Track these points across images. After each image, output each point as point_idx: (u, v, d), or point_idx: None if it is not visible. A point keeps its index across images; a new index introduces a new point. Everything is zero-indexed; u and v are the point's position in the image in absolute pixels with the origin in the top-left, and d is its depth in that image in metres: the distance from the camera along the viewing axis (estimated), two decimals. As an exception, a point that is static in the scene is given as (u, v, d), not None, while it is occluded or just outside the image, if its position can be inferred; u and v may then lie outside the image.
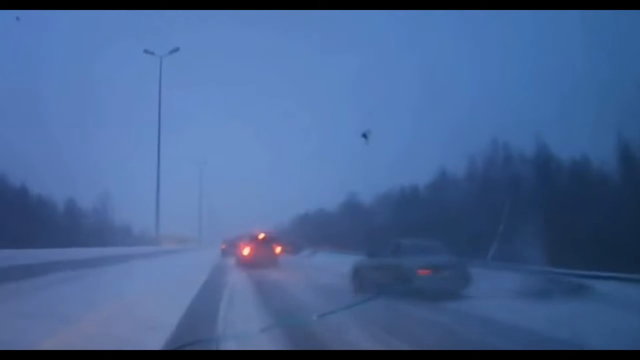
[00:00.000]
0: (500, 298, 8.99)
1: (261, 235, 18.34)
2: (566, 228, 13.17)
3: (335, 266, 15.79)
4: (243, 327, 6.25)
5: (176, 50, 26.01)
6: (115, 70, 42.42)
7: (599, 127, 15.34)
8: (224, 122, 51.59)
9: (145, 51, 25.68)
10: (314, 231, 32.01)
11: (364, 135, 7.47)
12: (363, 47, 39.51)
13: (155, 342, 4.85)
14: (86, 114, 38.20)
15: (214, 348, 4.71)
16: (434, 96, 32.63)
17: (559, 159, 16.86)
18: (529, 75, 24.10)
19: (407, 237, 11.80)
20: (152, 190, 26.80)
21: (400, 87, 39.98)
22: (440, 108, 30.82)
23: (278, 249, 18.87)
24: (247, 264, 17.35)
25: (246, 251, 17.85)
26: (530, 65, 22.60)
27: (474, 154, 19.52)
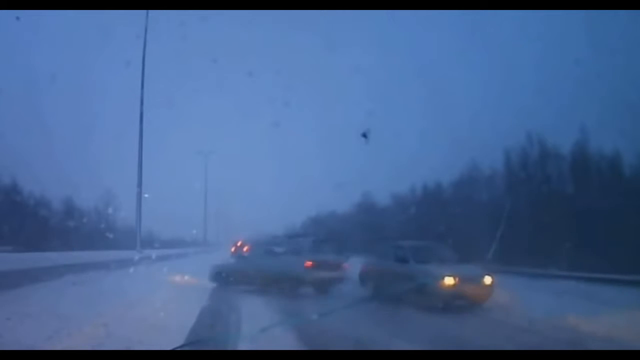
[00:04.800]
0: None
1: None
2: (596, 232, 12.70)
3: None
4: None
5: None
6: (120, 65, 42.01)
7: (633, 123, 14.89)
8: (231, 122, 51.37)
9: None
10: (327, 233, 31.55)
11: (364, 135, 7.51)
12: (371, 43, 39.26)
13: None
14: (87, 110, 37.94)
15: (214, 348, 4.74)
16: (459, 92, 31.96)
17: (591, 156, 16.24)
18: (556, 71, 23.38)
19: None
20: (157, 190, 26.05)
21: (418, 85, 39.78)
22: (459, 105, 30.47)
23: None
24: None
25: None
26: (559, 61, 21.94)
27: (496, 152, 18.74)
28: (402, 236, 16.47)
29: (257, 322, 7.13)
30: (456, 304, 8.74)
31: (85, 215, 27.97)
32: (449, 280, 8.71)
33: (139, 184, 21.40)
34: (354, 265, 12.69)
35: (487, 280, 8.95)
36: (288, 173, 45.43)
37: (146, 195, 22.33)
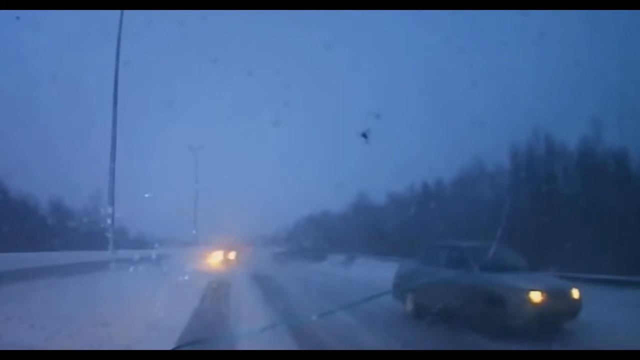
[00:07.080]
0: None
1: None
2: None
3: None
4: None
5: None
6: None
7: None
8: (224, 120, 51.19)
9: None
10: (320, 233, 31.59)
11: (364, 135, 7.53)
12: (372, 41, 39.16)
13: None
14: (81, 110, 37.65)
15: (214, 348, 4.76)
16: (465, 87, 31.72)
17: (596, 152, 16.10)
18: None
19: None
20: (155, 190, 25.90)
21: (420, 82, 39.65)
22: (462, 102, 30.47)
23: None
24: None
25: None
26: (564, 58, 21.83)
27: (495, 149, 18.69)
28: (404, 236, 16.03)
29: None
30: (540, 327, 6.61)
31: (73, 216, 27.63)
32: (535, 296, 6.69)
33: (111, 184, 20.97)
34: (361, 266, 12.03)
35: (575, 293, 7.01)
36: (287, 173, 45.39)
37: (147, 195, 22.39)
